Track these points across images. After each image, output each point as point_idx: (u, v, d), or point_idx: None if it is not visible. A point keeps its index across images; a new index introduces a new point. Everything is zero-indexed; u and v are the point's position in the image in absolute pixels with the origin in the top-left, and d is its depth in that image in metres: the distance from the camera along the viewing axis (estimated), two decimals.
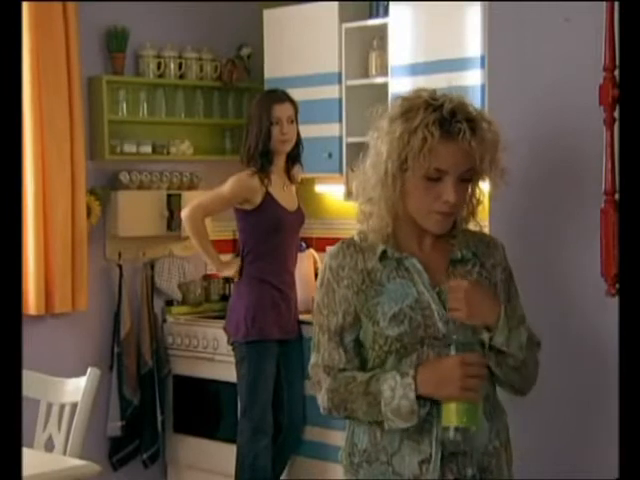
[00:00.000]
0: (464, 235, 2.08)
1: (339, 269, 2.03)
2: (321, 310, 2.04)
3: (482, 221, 2.17)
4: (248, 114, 4.20)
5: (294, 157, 4.14)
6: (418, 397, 1.92)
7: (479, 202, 2.09)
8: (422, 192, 1.98)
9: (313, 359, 2.05)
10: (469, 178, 2.00)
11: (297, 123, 4.10)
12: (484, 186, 2.12)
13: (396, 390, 1.92)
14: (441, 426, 1.94)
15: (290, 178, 4.17)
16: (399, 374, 1.94)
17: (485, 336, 1.97)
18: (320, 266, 4.62)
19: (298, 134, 4.12)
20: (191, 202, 4.17)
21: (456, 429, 1.92)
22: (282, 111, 4.03)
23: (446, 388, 1.91)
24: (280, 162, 4.11)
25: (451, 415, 1.91)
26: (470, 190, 2.04)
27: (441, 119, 1.94)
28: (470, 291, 1.95)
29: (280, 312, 4.11)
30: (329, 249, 2.09)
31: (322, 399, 2.03)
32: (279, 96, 4.08)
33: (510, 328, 1.97)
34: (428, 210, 1.99)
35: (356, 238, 2.07)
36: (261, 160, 4.01)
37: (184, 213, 4.12)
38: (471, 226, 2.12)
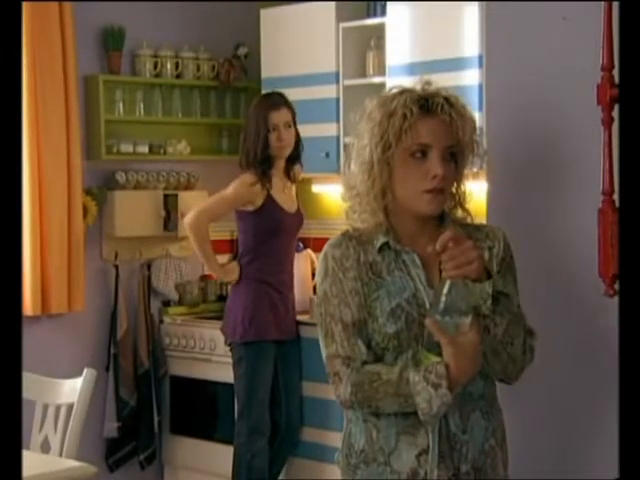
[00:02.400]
0: (455, 226, 2.05)
1: (343, 259, 2.01)
2: (330, 299, 2.00)
3: (480, 221, 2.16)
4: (246, 118, 4.19)
5: (293, 158, 4.14)
6: None
7: (466, 194, 2.06)
8: (410, 172, 1.98)
9: (329, 350, 2.00)
10: (452, 157, 1.98)
11: (295, 125, 4.09)
12: (479, 186, 2.12)
13: (433, 402, 1.90)
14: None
15: (290, 179, 4.17)
16: (431, 386, 1.90)
17: (485, 286, 1.91)
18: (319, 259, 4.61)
19: (298, 135, 4.11)
20: (194, 209, 4.13)
21: None
22: (279, 118, 4.02)
23: (477, 368, 1.92)
24: (280, 165, 4.11)
25: None
26: (456, 173, 2.01)
27: (418, 98, 1.98)
28: (473, 244, 1.92)
29: (278, 313, 4.10)
30: (329, 240, 2.07)
31: (343, 392, 1.98)
32: (275, 102, 4.06)
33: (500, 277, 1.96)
34: (418, 191, 1.98)
35: (352, 231, 2.05)
36: (261, 167, 4.01)
37: (187, 219, 4.09)
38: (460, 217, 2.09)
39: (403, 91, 2.01)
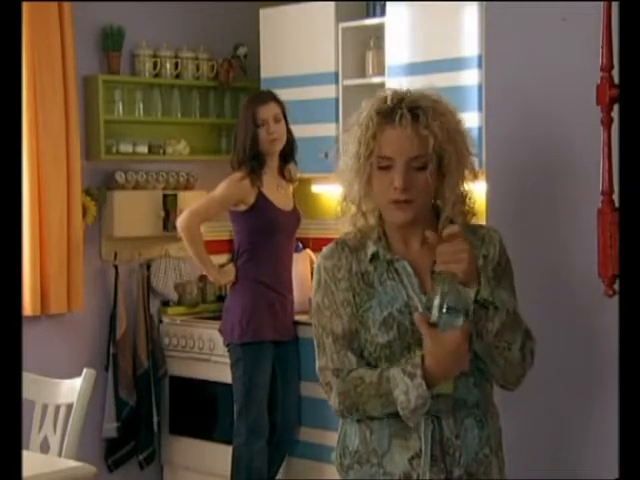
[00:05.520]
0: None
1: (334, 270, 2.02)
2: (322, 311, 2.03)
3: (479, 221, 2.16)
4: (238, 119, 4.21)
5: (286, 156, 4.14)
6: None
7: (459, 197, 2.03)
8: (378, 183, 1.99)
9: (320, 362, 2.04)
10: (422, 166, 1.97)
11: (287, 122, 4.09)
12: (478, 186, 2.11)
13: (410, 393, 1.91)
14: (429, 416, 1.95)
15: (285, 178, 4.17)
16: (407, 376, 1.92)
17: (472, 292, 1.92)
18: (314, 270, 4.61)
19: (290, 133, 4.11)
20: (186, 210, 4.13)
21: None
22: (266, 112, 4.02)
23: (457, 367, 1.92)
24: (273, 163, 4.10)
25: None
26: (430, 180, 1.98)
27: (384, 107, 1.98)
28: (468, 247, 1.92)
29: (276, 313, 4.09)
30: (323, 250, 2.08)
31: (334, 402, 2.02)
32: (262, 98, 4.08)
33: (492, 286, 1.96)
34: (385, 200, 1.99)
35: (347, 238, 2.06)
36: (251, 164, 4.01)
37: (179, 222, 4.09)
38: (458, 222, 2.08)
39: (377, 98, 2.01)
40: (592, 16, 2.16)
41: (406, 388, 1.91)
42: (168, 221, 4.76)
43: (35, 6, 4.26)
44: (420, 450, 1.97)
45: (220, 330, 4.18)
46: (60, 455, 2.98)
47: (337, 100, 4.48)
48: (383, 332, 1.98)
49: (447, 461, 1.98)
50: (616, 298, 1.91)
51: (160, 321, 4.81)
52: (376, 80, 4.33)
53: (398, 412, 1.95)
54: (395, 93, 2.00)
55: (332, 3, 4.47)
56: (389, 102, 1.98)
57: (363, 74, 4.47)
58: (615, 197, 2.04)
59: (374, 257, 2.02)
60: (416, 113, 1.96)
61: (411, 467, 1.98)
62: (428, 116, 1.96)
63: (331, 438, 4.13)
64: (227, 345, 4.13)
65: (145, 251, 4.81)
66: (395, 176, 1.96)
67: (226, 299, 4.25)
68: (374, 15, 4.44)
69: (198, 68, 4.93)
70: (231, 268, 4.15)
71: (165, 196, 4.79)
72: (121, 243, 4.71)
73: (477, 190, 2.14)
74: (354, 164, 2.00)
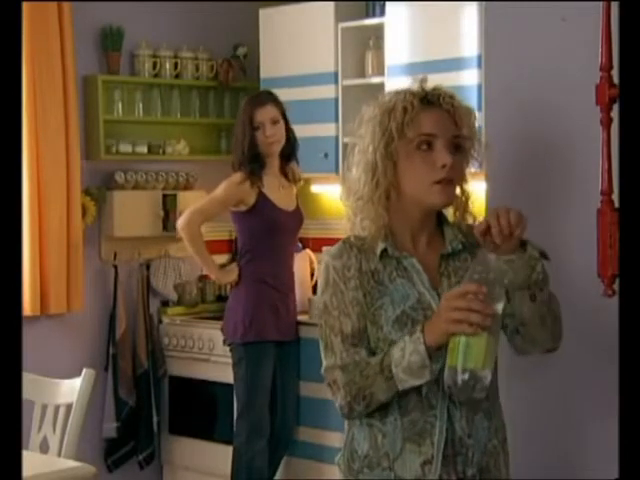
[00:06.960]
0: (453, 228, 2.06)
1: (344, 269, 2.00)
2: (330, 311, 1.99)
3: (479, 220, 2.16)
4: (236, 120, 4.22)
5: (287, 156, 4.14)
6: (431, 353, 1.86)
7: (468, 197, 2.06)
8: (418, 165, 1.97)
9: (328, 362, 2.00)
10: (458, 147, 1.98)
11: (286, 122, 4.08)
12: (478, 186, 2.12)
13: (406, 348, 1.88)
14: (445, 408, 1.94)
15: (288, 177, 4.17)
16: (408, 334, 1.90)
17: (534, 251, 1.94)
18: (317, 266, 4.62)
19: (291, 132, 4.11)
20: (186, 211, 4.14)
21: (463, 370, 1.78)
22: (263, 114, 4.02)
23: (439, 326, 1.84)
24: (274, 163, 4.11)
25: (450, 354, 1.81)
26: (462, 167, 2.01)
27: (418, 92, 2.00)
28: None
29: (278, 313, 4.10)
30: (328, 249, 2.06)
31: (340, 397, 1.96)
32: (260, 100, 4.07)
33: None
34: (427, 183, 1.97)
35: (353, 239, 2.04)
36: (250, 165, 4.01)
37: (180, 222, 4.10)
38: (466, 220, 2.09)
39: (401, 90, 2.02)
40: (592, 16, 2.16)
41: (404, 344, 1.89)
42: (168, 221, 4.77)
43: (35, 6, 4.26)
44: (432, 456, 1.95)
45: (222, 329, 4.18)
46: (59, 455, 2.98)
47: (337, 100, 4.48)
48: (397, 329, 1.96)
49: (460, 462, 1.97)
50: (616, 298, 1.91)
51: (160, 321, 4.81)
52: (376, 80, 4.33)
53: (410, 412, 1.94)
54: (422, 81, 2.02)
55: (332, 3, 4.48)
56: (420, 89, 2.00)
57: (363, 74, 4.47)
58: (615, 197, 2.04)
59: (383, 254, 2.00)
60: (451, 94, 2.00)
61: (423, 473, 1.96)
62: (461, 104, 2.00)
63: (330, 438, 4.14)
64: (229, 345, 4.13)
65: (145, 251, 4.81)
66: (442, 154, 1.95)
67: (228, 299, 4.25)
68: (374, 15, 4.44)
69: (198, 68, 4.93)
70: (234, 268, 4.15)
71: (165, 196, 4.79)
72: (121, 243, 4.71)
73: (477, 190, 2.14)
74: (380, 154, 1.97)
